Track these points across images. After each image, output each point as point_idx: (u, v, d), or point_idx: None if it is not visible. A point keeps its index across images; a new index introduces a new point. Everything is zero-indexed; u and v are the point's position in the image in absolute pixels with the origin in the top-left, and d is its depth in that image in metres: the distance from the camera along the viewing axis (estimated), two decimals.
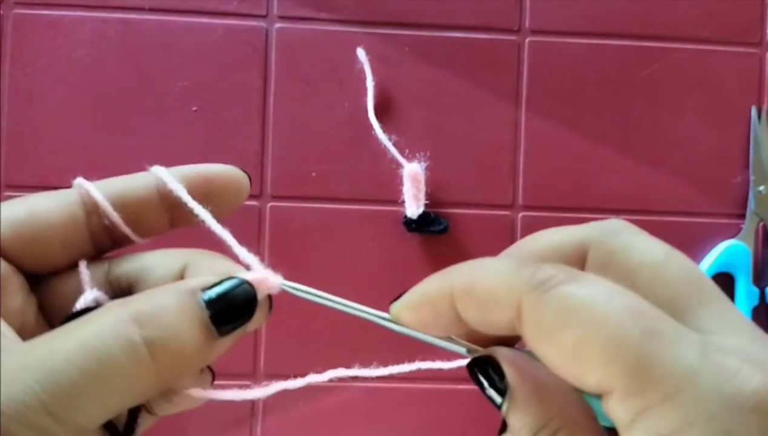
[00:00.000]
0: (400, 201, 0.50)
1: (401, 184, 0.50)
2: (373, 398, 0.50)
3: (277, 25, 0.51)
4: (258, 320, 0.22)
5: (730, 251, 0.51)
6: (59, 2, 0.49)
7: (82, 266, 0.23)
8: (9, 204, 0.22)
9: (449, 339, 0.22)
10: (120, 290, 0.24)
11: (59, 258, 0.23)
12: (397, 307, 0.22)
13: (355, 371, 0.25)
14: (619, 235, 0.21)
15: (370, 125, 0.50)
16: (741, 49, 0.53)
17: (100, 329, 0.19)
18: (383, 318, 0.23)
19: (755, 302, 0.52)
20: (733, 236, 0.52)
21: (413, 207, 0.49)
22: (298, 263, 0.50)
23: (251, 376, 0.49)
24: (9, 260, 0.22)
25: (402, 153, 0.50)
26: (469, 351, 0.22)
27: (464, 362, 0.22)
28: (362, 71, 0.50)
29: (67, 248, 0.23)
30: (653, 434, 0.16)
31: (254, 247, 0.50)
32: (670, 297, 0.19)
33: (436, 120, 0.51)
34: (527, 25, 0.52)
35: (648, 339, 0.16)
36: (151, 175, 0.24)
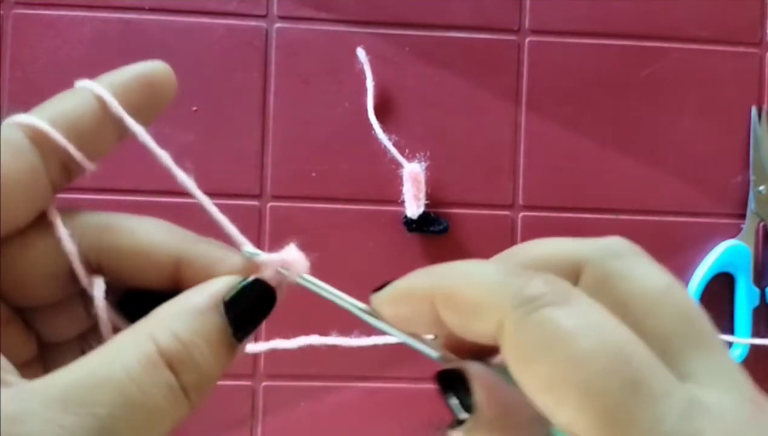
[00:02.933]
0: (400, 201, 0.50)
1: (401, 184, 0.50)
2: (373, 398, 0.50)
3: (277, 25, 0.51)
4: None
5: (730, 251, 0.51)
6: (59, 2, 0.49)
7: (66, 239, 0.20)
8: None
9: (426, 342, 0.21)
10: (87, 262, 0.21)
11: (22, 219, 0.20)
12: (378, 298, 0.21)
13: (334, 339, 0.25)
14: (620, 259, 0.19)
15: (370, 125, 0.50)
16: (741, 49, 0.53)
17: (134, 374, 0.17)
18: (362, 310, 0.22)
19: (755, 302, 0.52)
20: (733, 236, 0.52)
21: (413, 207, 0.49)
22: None
23: (251, 376, 0.49)
24: None
25: (402, 153, 0.50)
26: (442, 358, 0.20)
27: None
28: (362, 71, 0.50)
29: (31, 205, 0.20)
30: None
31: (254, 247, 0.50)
32: (662, 334, 0.17)
33: (436, 120, 0.51)
34: (527, 25, 0.52)
35: (628, 391, 0.15)
36: (87, 91, 0.21)
